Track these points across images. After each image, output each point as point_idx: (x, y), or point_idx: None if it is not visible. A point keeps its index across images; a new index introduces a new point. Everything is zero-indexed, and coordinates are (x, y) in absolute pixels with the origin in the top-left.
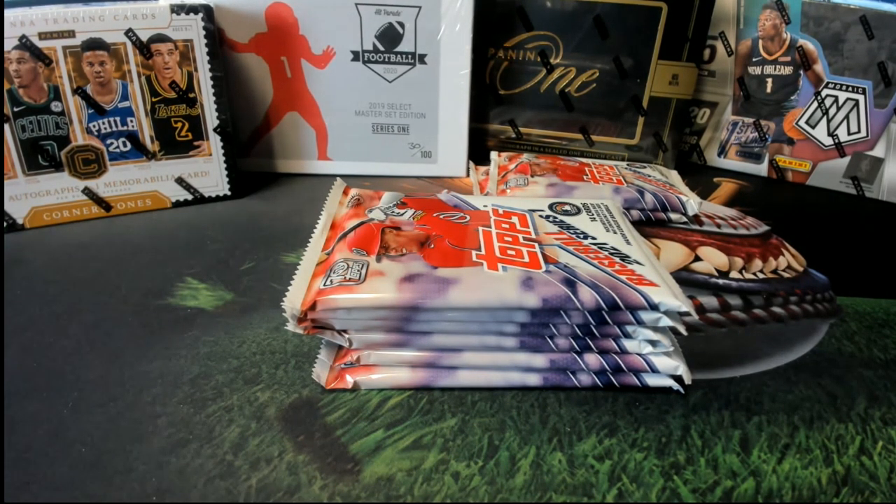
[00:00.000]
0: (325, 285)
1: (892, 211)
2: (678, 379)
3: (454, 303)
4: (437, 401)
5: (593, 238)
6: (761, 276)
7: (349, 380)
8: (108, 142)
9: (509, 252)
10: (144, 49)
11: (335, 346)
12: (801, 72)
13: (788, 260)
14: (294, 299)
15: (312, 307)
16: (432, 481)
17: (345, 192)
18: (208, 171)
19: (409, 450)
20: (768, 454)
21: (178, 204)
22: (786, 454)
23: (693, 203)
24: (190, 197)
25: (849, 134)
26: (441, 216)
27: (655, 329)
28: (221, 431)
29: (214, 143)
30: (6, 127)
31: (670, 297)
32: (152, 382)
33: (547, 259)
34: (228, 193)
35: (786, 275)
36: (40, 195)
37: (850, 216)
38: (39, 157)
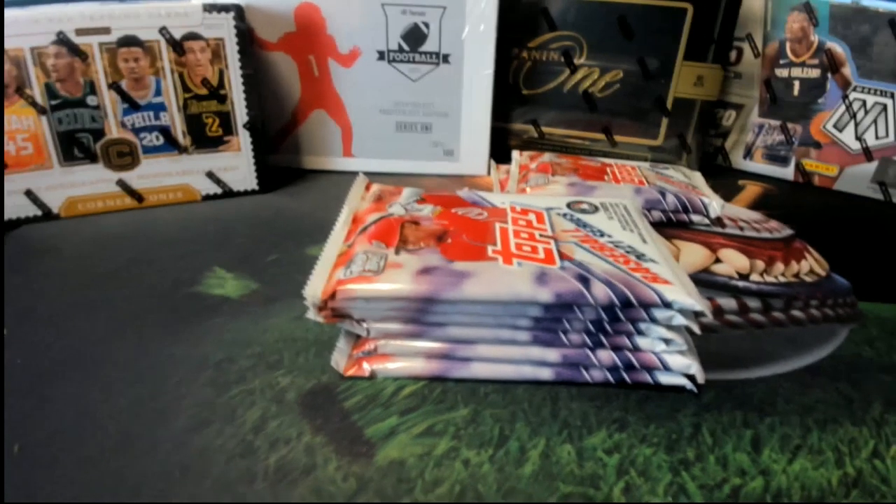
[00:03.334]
0: (344, 276)
1: None
2: (691, 378)
3: (468, 295)
4: (451, 391)
5: (609, 236)
6: (782, 279)
7: (366, 368)
8: (142, 135)
9: (525, 248)
10: (177, 46)
11: (353, 336)
12: (829, 75)
13: (811, 264)
14: (315, 288)
15: (332, 296)
16: (443, 466)
17: (366, 188)
18: (237, 165)
19: (421, 436)
20: (779, 454)
21: (207, 197)
22: (797, 455)
23: (715, 205)
24: (219, 191)
25: (877, 138)
26: (459, 212)
27: (669, 327)
28: (243, 413)
29: (244, 138)
30: (44, 119)
31: (684, 296)
32: (178, 366)
33: (562, 256)
34: (256, 188)
35: (808, 279)
36: (75, 186)
37: (876, 222)
38: (75, 148)
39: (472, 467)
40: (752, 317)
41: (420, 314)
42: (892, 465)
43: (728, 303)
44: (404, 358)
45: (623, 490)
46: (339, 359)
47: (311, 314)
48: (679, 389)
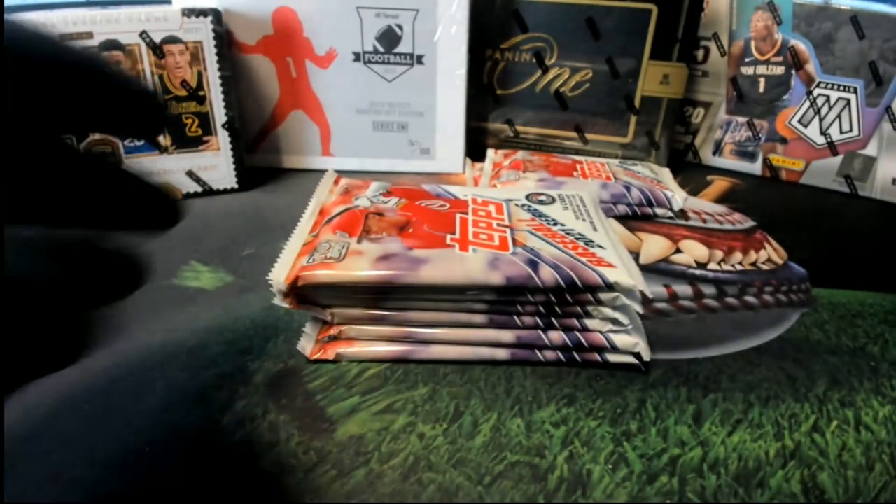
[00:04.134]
0: (307, 263)
1: (884, 208)
2: (638, 357)
3: (425, 280)
4: (412, 372)
5: (562, 224)
6: (739, 267)
7: (331, 352)
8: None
9: (482, 236)
10: (157, 50)
11: (320, 321)
12: (793, 72)
13: (769, 253)
14: (279, 274)
15: (295, 282)
16: (399, 440)
17: (335, 182)
18: (217, 164)
19: (381, 413)
20: (719, 427)
21: (188, 195)
22: (737, 428)
23: (678, 198)
24: (200, 189)
25: (841, 133)
26: (423, 204)
27: (615, 308)
28: (212, 395)
29: (223, 138)
30: None
31: (626, 277)
32: (154, 352)
33: (515, 243)
34: (236, 186)
35: (764, 267)
36: None
37: (840, 213)
38: None
39: (426, 440)
40: (706, 302)
41: (380, 299)
42: (831, 440)
43: (683, 289)
44: (368, 342)
45: (566, 458)
46: (306, 344)
47: (278, 300)
48: (628, 368)
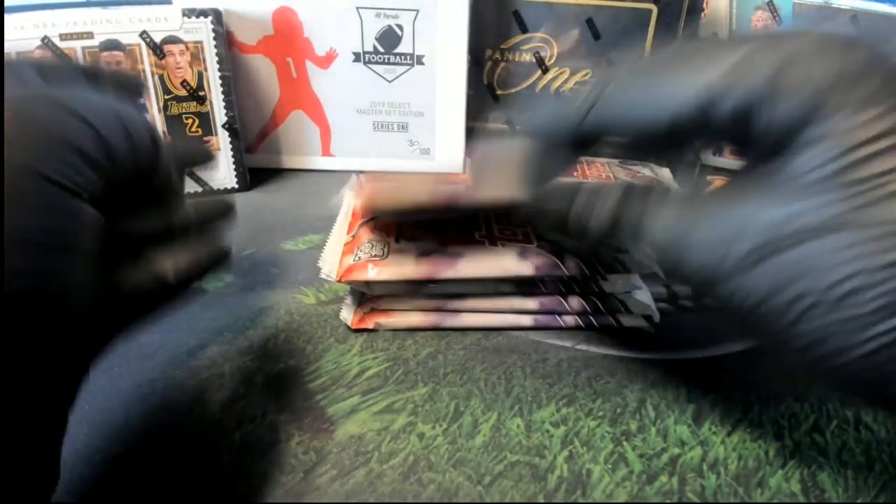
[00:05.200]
0: (353, 261)
1: None
2: (649, 319)
3: (463, 274)
4: (412, 372)
5: None
6: None
7: (370, 322)
8: None
9: (506, 231)
10: (158, 50)
11: (359, 293)
12: None
13: None
14: (330, 271)
15: (346, 275)
16: (399, 440)
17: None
18: (217, 164)
19: (381, 413)
20: (719, 427)
21: (188, 195)
22: (736, 428)
23: None
24: (199, 189)
25: None
26: None
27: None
28: (212, 395)
29: (223, 138)
30: None
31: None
32: (153, 352)
33: (537, 236)
34: (236, 186)
35: None
36: None
37: None
38: None
39: (426, 440)
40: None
41: (420, 289)
42: (831, 439)
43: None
44: (403, 312)
45: (566, 458)
46: (347, 314)
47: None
48: (628, 368)
